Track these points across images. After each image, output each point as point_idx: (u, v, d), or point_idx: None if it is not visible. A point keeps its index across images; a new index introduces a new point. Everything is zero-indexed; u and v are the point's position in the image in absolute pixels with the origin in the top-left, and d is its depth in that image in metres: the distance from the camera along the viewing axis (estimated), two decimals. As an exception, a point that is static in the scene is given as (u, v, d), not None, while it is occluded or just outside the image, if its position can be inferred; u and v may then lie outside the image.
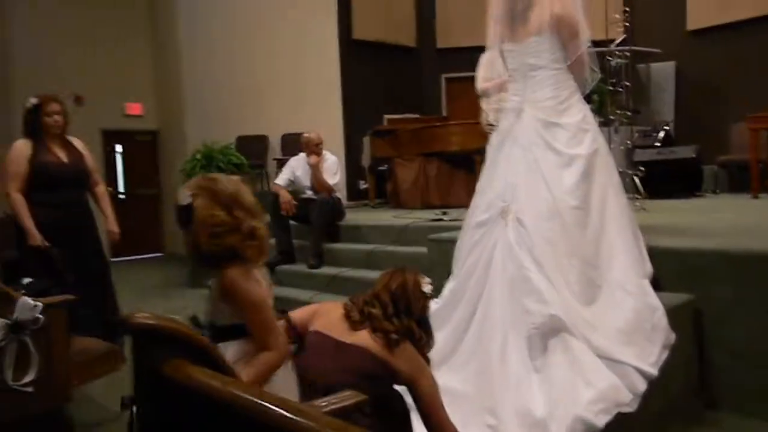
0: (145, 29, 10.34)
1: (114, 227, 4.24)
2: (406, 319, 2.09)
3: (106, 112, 9.48)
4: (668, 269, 3.25)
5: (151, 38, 10.36)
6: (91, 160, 4.19)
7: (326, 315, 2.13)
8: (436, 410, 2.07)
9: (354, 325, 2.06)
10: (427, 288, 2.17)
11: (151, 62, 10.34)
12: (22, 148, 3.88)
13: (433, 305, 3.24)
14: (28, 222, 3.78)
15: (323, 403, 1.42)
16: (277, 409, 0.90)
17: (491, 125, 3.35)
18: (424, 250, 4.48)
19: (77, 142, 4.13)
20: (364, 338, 2.03)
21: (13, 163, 3.84)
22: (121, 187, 10.04)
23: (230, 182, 1.92)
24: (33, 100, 3.95)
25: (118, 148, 10.11)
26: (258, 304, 1.82)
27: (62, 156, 3.96)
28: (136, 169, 10.32)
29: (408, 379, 2.04)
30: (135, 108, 10.23)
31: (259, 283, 1.88)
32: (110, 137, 9.82)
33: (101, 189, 4.24)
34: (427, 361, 2.13)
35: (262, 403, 0.92)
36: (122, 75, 9.87)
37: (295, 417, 0.87)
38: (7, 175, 3.85)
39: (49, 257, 3.80)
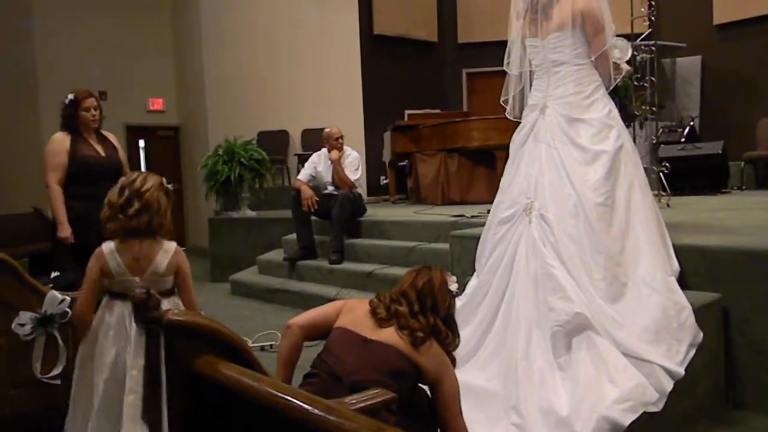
0: (168, 24, 10.43)
1: None
2: (432, 316, 2.08)
3: (129, 107, 9.60)
4: (695, 267, 3.20)
5: (173, 33, 10.46)
6: (123, 153, 4.33)
7: (352, 312, 2.13)
8: (454, 412, 2.06)
9: (380, 323, 2.06)
10: (453, 286, 2.17)
11: (173, 57, 10.44)
12: (62, 140, 3.97)
13: (457, 302, 3.24)
14: (62, 214, 3.87)
15: (352, 401, 1.41)
16: (310, 408, 0.89)
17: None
18: (446, 246, 4.46)
19: (111, 137, 4.27)
20: (390, 335, 2.02)
21: (53, 155, 3.93)
22: (144, 182, 10.17)
23: (138, 174, 2.40)
24: (70, 96, 4.04)
25: (141, 143, 10.22)
26: (85, 273, 2.28)
27: (100, 150, 4.06)
28: (158, 164, 10.41)
29: (433, 378, 2.04)
30: (157, 103, 10.33)
31: (102, 259, 2.30)
32: (133, 132, 9.94)
33: None
34: (453, 360, 2.12)
35: (295, 401, 0.92)
36: (145, 70, 9.98)
37: (329, 416, 0.87)
38: (47, 166, 3.94)
39: (79, 250, 3.89)
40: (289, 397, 0.91)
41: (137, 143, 10.11)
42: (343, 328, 2.07)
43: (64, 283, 3.25)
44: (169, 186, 2.43)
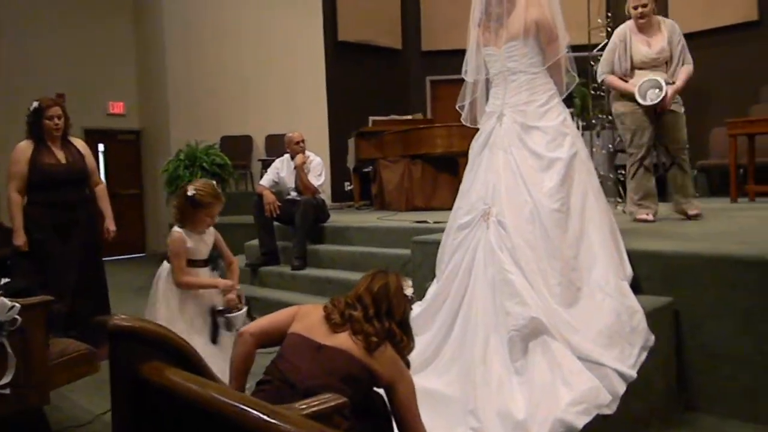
0: (128, 27, 10.28)
1: (111, 225, 4.45)
2: (387, 321, 2.09)
3: (88, 111, 9.41)
4: (648, 272, 3.28)
5: (134, 36, 10.31)
6: (92, 160, 4.38)
7: (306, 317, 2.12)
8: (412, 415, 2.07)
9: (334, 328, 2.05)
10: (408, 290, 2.18)
11: (134, 60, 10.29)
12: (23, 149, 4.06)
13: (417, 308, 3.26)
14: (18, 222, 3.96)
15: (302, 406, 1.41)
16: (255, 412, 0.89)
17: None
18: (408, 252, 4.48)
19: (79, 143, 4.36)
20: (343, 340, 2.02)
21: (14, 164, 4.03)
22: (102, 187, 9.96)
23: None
24: (35, 104, 4.11)
25: (100, 147, 10.02)
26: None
27: (60, 157, 4.12)
28: (119, 169, 10.25)
29: (387, 382, 2.04)
30: (118, 107, 10.15)
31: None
32: (92, 136, 9.72)
33: (101, 188, 4.46)
34: (407, 363, 2.13)
35: (240, 406, 0.92)
36: (105, 73, 9.81)
37: (273, 420, 0.87)
38: (9, 174, 4.04)
39: (33, 258, 3.94)
40: (231, 401, 0.90)
41: (96, 147, 9.89)
42: (297, 334, 2.06)
43: (14, 289, 3.19)
44: (188, 193, 3.09)
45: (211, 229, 3.30)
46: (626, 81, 4.47)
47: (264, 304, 5.47)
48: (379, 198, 8.03)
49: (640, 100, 4.34)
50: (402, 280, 2.19)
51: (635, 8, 4.47)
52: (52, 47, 9.21)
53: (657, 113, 4.42)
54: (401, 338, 2.11)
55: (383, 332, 2.06)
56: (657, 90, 4.28)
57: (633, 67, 4.51)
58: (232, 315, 3.12)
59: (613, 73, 4.54)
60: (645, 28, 4.50)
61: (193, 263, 3.17)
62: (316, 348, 2.01)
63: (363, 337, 2.01)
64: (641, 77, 4.39)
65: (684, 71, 4.45)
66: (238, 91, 9.52)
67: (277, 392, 1.91)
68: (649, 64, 4.48)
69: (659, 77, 4.36)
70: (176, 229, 3.15)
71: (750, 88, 8.16)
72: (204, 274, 3.21)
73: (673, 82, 4.40)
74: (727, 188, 6.62)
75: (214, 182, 3.37)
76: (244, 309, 3.17)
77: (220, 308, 3.16)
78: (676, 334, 3.18)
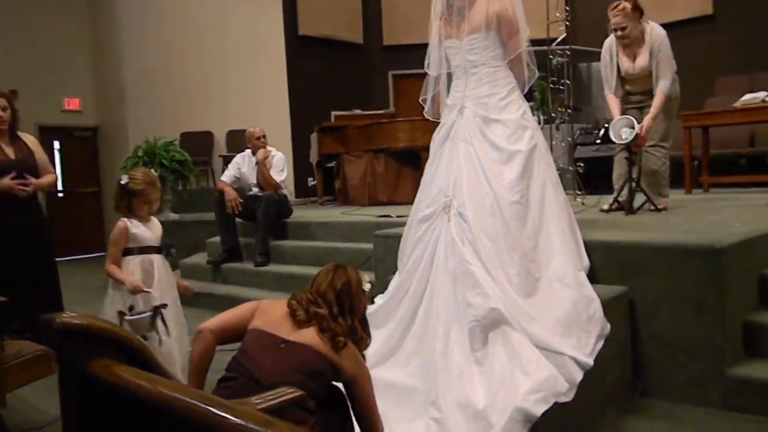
0: (83, 21, 10.04)
1: (31, 181, 4.03)
2: (350, 318, 2.10)
3: (42, 107, 9.17)
4: (604, 262, 3.34)
5: (90, 30, 10.08)
6: (43, 155, 4.22)
7: (268, 313, 2.10)
8: (371, 409, 2.09)
9: (299, 324, 2.04)
10: (367, 286, 2.19)
11: (90, 55, 10.06)
12: None
13: (379, 300, 3.27)
14: None
15: (258, 400, 1.41)
16: (204, 406, 0.89)
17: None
18: (371, 246, 4.49)
19: (29, 139, 4.18)
20: (309, 336, 2.02)
21: None
22: (59, 185, 9.72)
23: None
24: None
25: (56, 144, 9.79)
26: None
27: (9, 153, 3.97)
28: (75, 167, 10.03)
29: (350, 377, 2.05)
30: (73, 103, 9.92)
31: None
32: (47, 133, 9.49)
33: (51, 176, 4.27)
34: (363, 357, 2.15)
35: (190, 400, 0.91)
36: (60, 68, 9.57)
37: (222, 414, 0.87)
38: None
39: None
40: (185, 397, 0.90)
41: (52, 145, 9.65)
42: (260, 329, 2.04)
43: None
44: (122, 181, 3.14)
45: (156, 221, 3.28)
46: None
47: (227, 301, 5.42)
48: (343, 193, 8.02)
49: (614, 139, 4.36)
50: (360, 275, 2.20)
51: (614, 30, 4.46)
52: (2, 43, 8.95)
53: (632, 151, 4.45)
54: (361, 335, 2.12)
55: (347, 330, 2.07)
56: (630, 129, 4.30)
57: (623, 80, 4.56)
58: (131, 318, 2.94)
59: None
60: (628, 44, 4.50)
61: (145, 250, 3.16)
62: (281, 343, 2.00)
63: (330, 335, 2.01)
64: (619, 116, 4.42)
65: (657, 96, 4.40)
66: (197, 86, 9.39)
67: (242, 389, 1.88)
68: (635, 77, 4.53)
69: (633, 116, 4.36)
70: (122, 218, 3.15)
71: (705, 81, 8.35)
72: (158, 261, 3.18)
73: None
74: (682, 180, 6.77)
75: (152, 170, 3.34)
76: (146, 314, 2.94)
77: (122, 310, 2.99)
78: (630, 323, 3.25)
